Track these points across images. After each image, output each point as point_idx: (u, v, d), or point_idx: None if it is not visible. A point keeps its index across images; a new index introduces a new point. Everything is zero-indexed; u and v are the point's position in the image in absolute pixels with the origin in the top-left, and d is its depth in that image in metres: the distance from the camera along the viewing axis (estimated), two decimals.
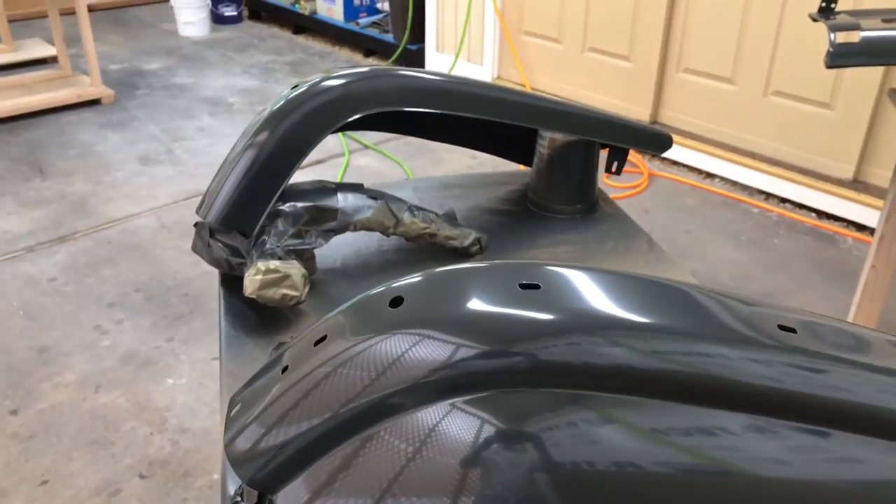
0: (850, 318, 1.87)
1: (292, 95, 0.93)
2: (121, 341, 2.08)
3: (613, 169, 1.17)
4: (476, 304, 0.52)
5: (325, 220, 0.95)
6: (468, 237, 1.03)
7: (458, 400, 0.51)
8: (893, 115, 2.50)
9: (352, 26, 4.29)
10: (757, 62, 2.76)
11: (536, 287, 0.52)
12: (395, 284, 0.56)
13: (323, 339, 0.56)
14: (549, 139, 1.11)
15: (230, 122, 3.46)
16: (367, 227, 0.98)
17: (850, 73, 2.52)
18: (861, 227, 2.61)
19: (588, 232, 1.11)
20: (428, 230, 1.01)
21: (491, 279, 0.53)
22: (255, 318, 0.93)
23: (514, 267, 0.54)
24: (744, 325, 0.55)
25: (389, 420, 0.51)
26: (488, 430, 0.50)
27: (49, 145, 3.20)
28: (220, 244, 0.96)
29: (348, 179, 2.93)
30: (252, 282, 0.87)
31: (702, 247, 2.53)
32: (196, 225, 1.00)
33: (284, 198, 0.94)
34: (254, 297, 0.88)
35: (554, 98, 1.08)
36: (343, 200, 0.96)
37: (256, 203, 0.91)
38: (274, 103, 0.95)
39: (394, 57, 4.01)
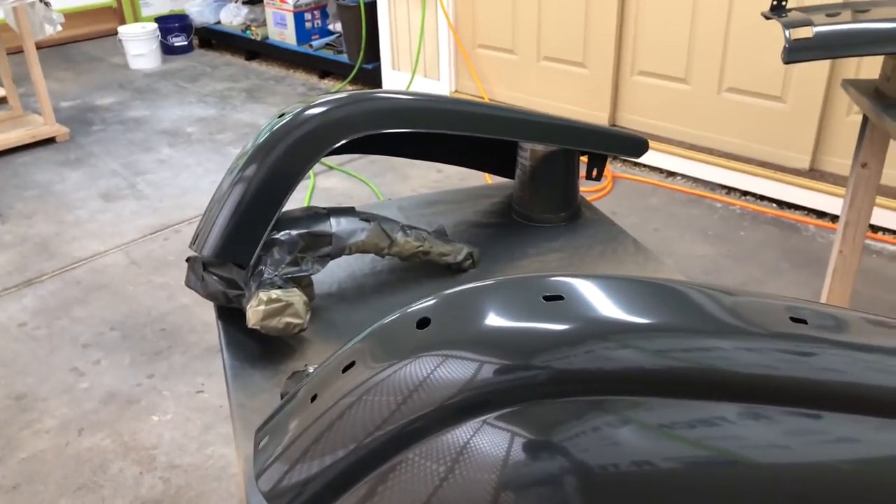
0: (822, 302, 1.92)
1: (279, 125, 0.94)
2: (100, 382, 2.05)
3: (594, 174, 1.19)
4: (504, 320, 0.53)
5: (319, 246, 0.96)
6: (461, 252, 1.04)
7: (492, 416, 0.52)
8: (843, 105, 2.58)
9: (305, 49, 4.29)
10: (709, 61, 2.83)
11: (560, 298, 0.54)
12: (420, 305, 0.56)
13: (351, 365, 0.57)
14: (530, 150, 1.13)
15: (191, 152, 3.43)
16: (361, 249, 0.98)
17: (799, 65, 2.60)
18: (821, 214, 2.68)
19: (575, 238, 1.13)
20: (421, 248, 1.02)
21: (515, 294, 0.55)
22: (258, 348, 0.92)
23: (536, 280, 0.55)
24: (759, 321, 0.57)
25: (425, 442, 0.52)
26: (527, 443, 0.51)
27: (4, 188, 3.14)
28: (214, 277, 0.96)
29: (315, 201, 2.93)
30: (255, 312, 0.87)
31: (671, 244, 2.58)
32: (188, 260, 0.99)
33: (278, 226, 0.94)
34: (257, 327, 0.87)
35: (532, 111, 1.10)
36: (336, 225, 0.97)
37: (251, 234, 0.91)
38: (260, 134, 0.95)
39: (350, 77, 4.02)
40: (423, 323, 0.55)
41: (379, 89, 1.08)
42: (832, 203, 2.62)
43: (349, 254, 0.98)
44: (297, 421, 0.59)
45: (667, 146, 2.99)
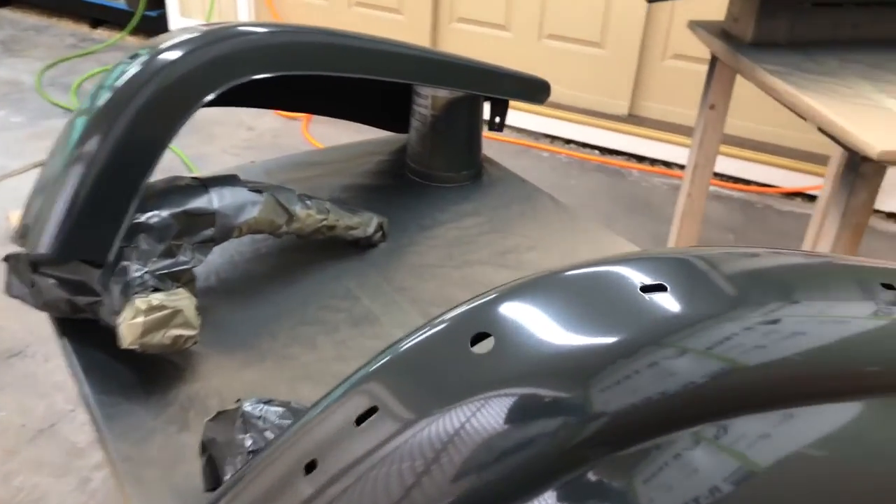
0: (671, 245, 1.95)
1: (133, 72, 0.69)
2: None
3: (496, 124, 1.05)
4: (602, 332, 0.38)
5: (199, 229, 0.73)
6: (370, 223, 0.86)
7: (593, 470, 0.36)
8: (658, 50, 2.65)
9: None
10: (529, 7, 2.78)
11: (663, 289, 0.39)
12: (470, 310, 0.39)
13: (371, 411, 0.38)
14: (432, 98, 0.96)
15: None
16: (254, 229, 0.77)
17: (617, 11, 2.62)
18: (641, 159, 2.76)
19: (487, 199, 0.99)
20: (325, 222, 0.82)
21: (606, 287, 0.39)
22: (130, 372, 0.69)
23: (627, 264, 0.40)
24: (855, 292, 0.46)
25: None
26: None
27: None
28: (52, 281, 0.70)
29: None
30: (131, 328, 0.64)
31: None
32: (8, 259, 0.72)
33: (141, 207, 0.70)
34: (134, 347, 0.64)
35: (433, 49, 0.93)
36: (219, 200, 0.74)
37: (108, 220, 0.67)
38: (108, 80, 0.70)
39: (130, 26, 3.53)
40: (479, 338, 0.38)
41: (239, 22, 0.84)
42: (652, 147, 2.69)
43: (238, 236, 0.76)
44: (286, 500, 0.39)
45: None
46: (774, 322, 0.40)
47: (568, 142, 2.86)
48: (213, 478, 0.54)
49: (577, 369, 0.37)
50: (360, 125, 1.11)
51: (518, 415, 0.36)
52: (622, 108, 2.77)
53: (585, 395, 0.36)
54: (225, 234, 0.75)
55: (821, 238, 1.44)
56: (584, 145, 2.83)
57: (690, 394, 0.38)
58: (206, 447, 0.54)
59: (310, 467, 0.39)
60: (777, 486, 0.40)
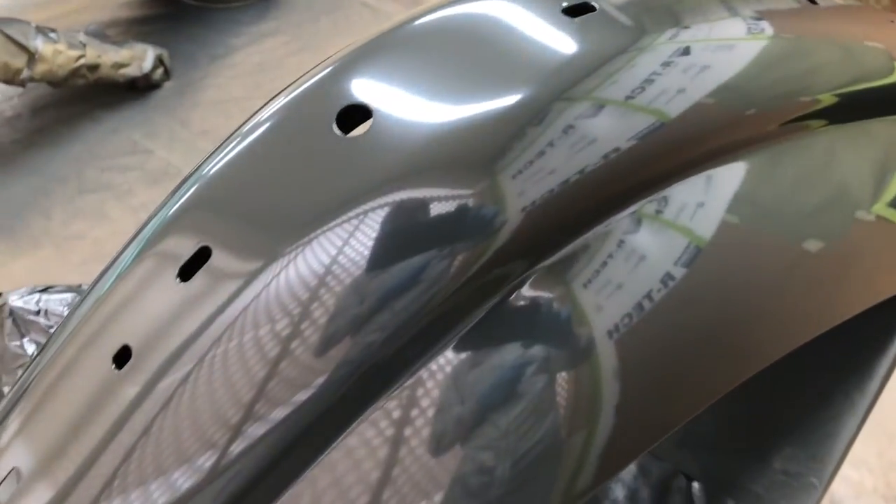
0: None
1: None
2: None
3: None
4: (507, 87, 0.26)
5: None
6: (146, 57, 0.67)
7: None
8: None
9: None
10: None
11: (590, 9, 0.28)
12: (329, 76, 0.26)
13: (203, 256, 0.25)
14: None
15: None
16: None
17: None
18: None
19: (289, 15, 0.82)
20: (84, 60, 0.63)
21: (511, 17, 0.27)
22: None
23: None
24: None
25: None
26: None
27: None
28: None
29: None
30: None
31: None
32: None
33: None
34: None
35: None
36: None
37: None
38: None
39: None
40: (347, 117, 0.25)
41: None
42: None
43: None
44: (101, 412, 0.26)
45: None
46: (686, 53, 0.30)
47: None
48: None
49: (483, 148, 0.25)
50: None
51: (417, 224, 0.24)
52: None
53: (494, 188, 0.24)
54: None
55: None
56: None
57: (620, 165, 0.28)
58: None
59: (121, 358, 0.26)
60: (721, 260, 0.32)
